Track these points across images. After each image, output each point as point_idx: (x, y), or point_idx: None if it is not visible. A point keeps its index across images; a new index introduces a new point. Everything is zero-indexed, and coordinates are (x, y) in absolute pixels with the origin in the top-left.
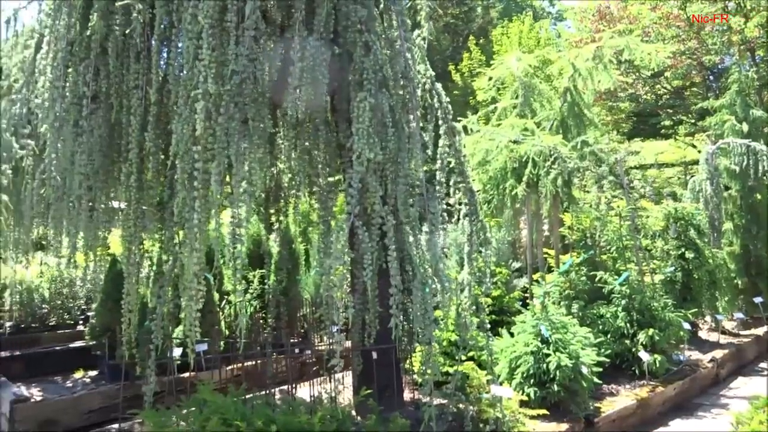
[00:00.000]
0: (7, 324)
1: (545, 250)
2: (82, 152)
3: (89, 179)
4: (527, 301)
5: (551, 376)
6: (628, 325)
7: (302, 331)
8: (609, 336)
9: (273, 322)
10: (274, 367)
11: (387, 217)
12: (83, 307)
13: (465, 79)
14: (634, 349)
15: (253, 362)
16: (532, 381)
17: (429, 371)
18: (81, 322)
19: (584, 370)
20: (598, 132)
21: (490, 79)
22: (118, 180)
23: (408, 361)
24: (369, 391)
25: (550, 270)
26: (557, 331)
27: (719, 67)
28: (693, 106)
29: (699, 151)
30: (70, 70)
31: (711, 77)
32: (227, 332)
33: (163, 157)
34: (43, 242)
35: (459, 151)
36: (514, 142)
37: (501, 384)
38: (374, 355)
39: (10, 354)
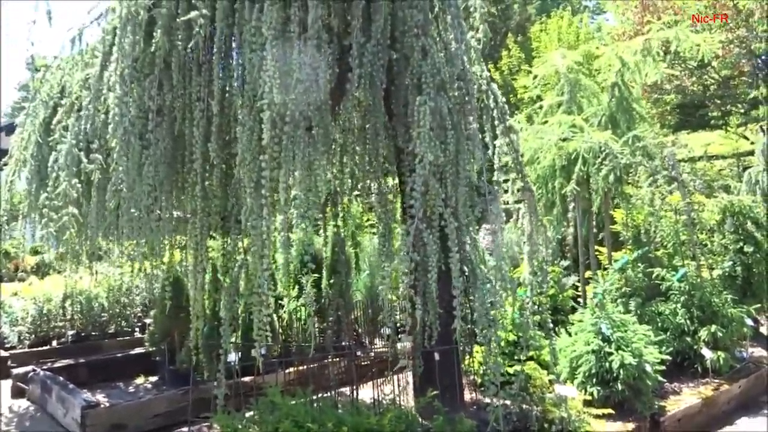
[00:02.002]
0: (69, 332)
1: (596, 247)
2: (149, 164)
3: (156, 190)
4: (578, 299)
5: (614, 375)
6: (688, 322)
7: (355, 333)
8: (669, 333)
9: (330, 325)
10: (332, 369)
11: (449, 219)
12: (139, 314)
13: (505, 77)
14: (695, 347)
15: (312, 365)
16: (594, 380)
17: (491, 372)
18: (138, 329)
19: (648, 368)
20: (648, 126)
21: (536, 77)
22: (182, 190)
23: (467, 362)
24: (435, 393)
25: (602, 268)
26: (618, 329)
27: None
28: (743, 95)
29: (752, 143)
30: (133, 85)
31: (761, 65)
32: (283, 336)
33: (224, 166)
34: (99, 253)
35: (516, 151)
36: (563, 139)
37: (564, 383)
38: (436, 356)
39: (74, 361)
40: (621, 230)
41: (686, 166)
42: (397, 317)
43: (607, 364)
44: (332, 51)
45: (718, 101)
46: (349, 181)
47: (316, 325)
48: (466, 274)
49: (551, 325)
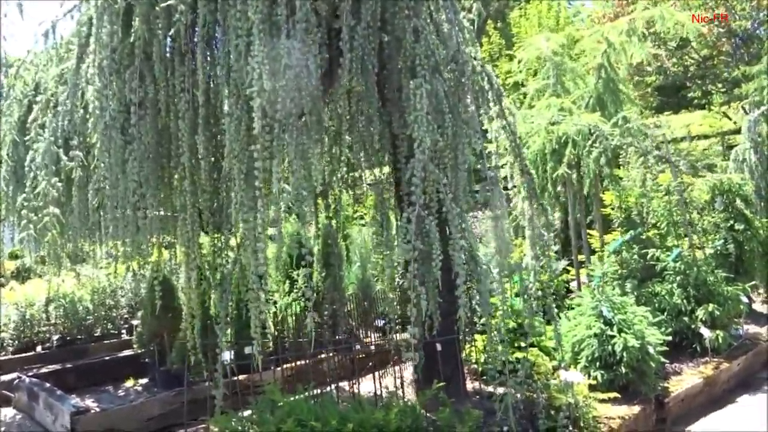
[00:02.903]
0: (54, 337)
1: (587, 231)
2: (133, 159)
3: (141, 186)
4: (569, 284)
5: (618, 358)
6: (685, 301)
7: (349, 326)
8: (666, 314)
9: (326, 319)
10: (326, 364)
11: (451, 205)
12: (125, 316)
13: (485, 63)
14: (693, 326)
15: (309, 361)
16: (597, 364)
17: (495, 360)
18: (124, 331)
19: (651, 350)
20: (635, 107)
21: (520, 61)
22: (169, 186)
23: (467, 351)
24: (441, 384)
25: (593, 252)
26: (618, 311)
27: (749, 32)
28: (723, 75)
29: (734, 122)
30: (112, 78)
31: (740, 44)
32: (276, 332)
33: (212, 159)
34: (79, 254)
35: (514, 133)
36: (552, 123)
37: (567, 369)
38: (438, 347)
39: (61, 366)
40: (612, 213)
41: (670, 146)
42: (392, 308)
43: (610, 347)
44: (320, 35)
45: (699, 81)
46: (344, 169)
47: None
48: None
49: (556, 310)
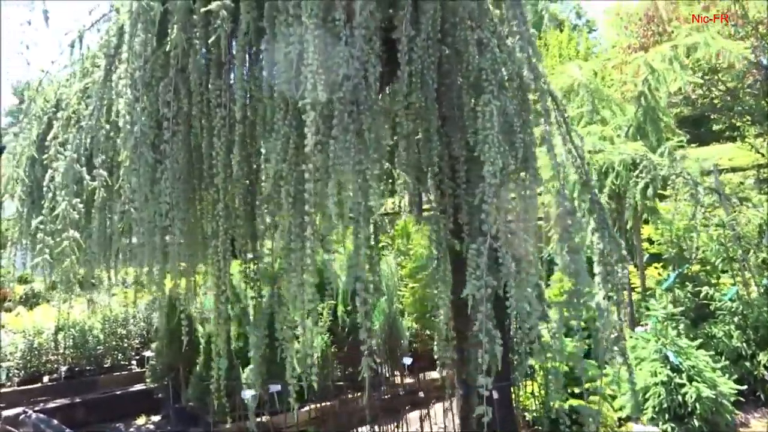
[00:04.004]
0: (62, 368)
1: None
2: (165, 179)
3: (172, 209)
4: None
5: (689, 409)
6: (744, 345)
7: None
8: (724, 358)
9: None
10: (354, 405)
11: (524, 236)
12: (136, 346)
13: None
14: (755, 372)
15: (333, 401)
16: (667, 415)
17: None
18: (134, 362)
19: (725, 401)
20: (680, 137)
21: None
22: (199, 210)
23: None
24: None
25: (632, 289)
26: (686, 356)
27: None
28: (752, 107)
29: (762, 154)
30: (143, 91)
31: None
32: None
33: (248, 182)
34: (91, 281)
35: (581, 158)
36: (591, 151)
37: (636, 421)
38: (494, 394)
39: (69, 401)
40: (659, 247)
41: (705, 179)
42: (414, 346)
43: (680, 397)
44: (378, 45)
45: (729, 113)
46: (404, 194)
47: (334, 356)
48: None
49: (628, 354)
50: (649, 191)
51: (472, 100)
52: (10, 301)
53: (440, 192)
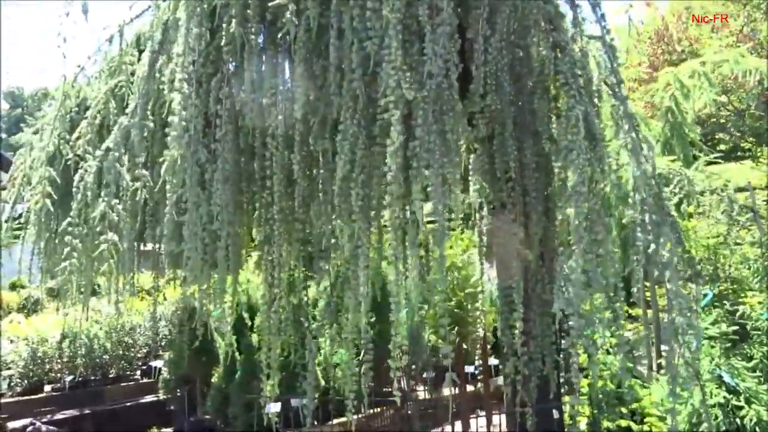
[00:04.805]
0: (67, 378)
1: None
2: (218, 181)
3: (223, 212)
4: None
5: None
6: None
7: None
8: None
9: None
10: (380, 420)
11: (607, 247)
12: (141, 356)
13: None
14: None
15: (359, 415)
16: None
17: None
18: (138, 372)
19: None
20: (708, 154)
21: None
22: (249, 213)
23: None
24: None
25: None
26: (742, 378)
27: None
28: (757, 126)
29: None
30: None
31: None
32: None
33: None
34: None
35: (652, 168)
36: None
37: None
38: (556, 413)
39: (78, 412)
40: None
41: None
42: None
43: (738, 420)
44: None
45: (738, 133)
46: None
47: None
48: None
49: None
50: (683, 207)
51: (548, 105)
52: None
53: (512, 201)
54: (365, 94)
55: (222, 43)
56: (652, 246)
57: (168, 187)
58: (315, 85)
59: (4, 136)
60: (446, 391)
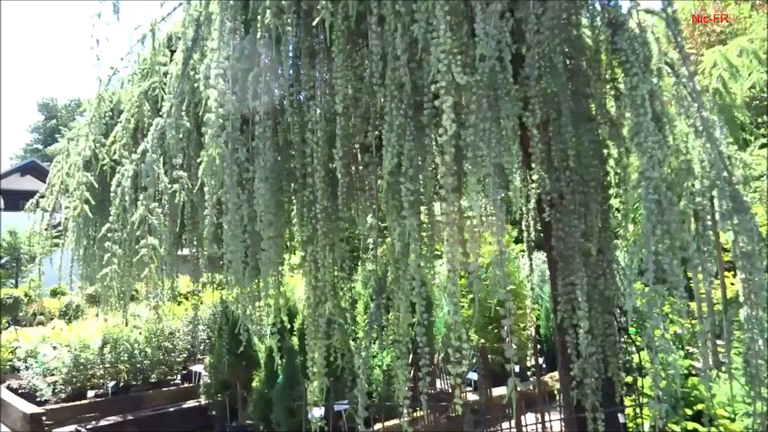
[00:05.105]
0: (110, 383)
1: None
2: (258, 180)
3: (264, 213)
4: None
5: None
6: None
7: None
8: None
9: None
10: (428, 422)
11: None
12: (182, 361)
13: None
14: None
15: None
16: None
17: None
18: (178, 377)
19: None
20: (760, 138)
21: None
22: (287, 212)
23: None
24: None
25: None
26: None
27: None
28: None
29: None
30: (222, 83)
31: None
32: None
33: (349, 180)
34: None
35: (721, 153)
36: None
37: None
38: (621, 418)
39: (122, 418)
40: None
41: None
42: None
43: None
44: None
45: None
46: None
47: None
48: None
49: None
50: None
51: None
52: (40, 314)
53: (570, 190)
54: (411, 82)
55: (258, 36)
56: (730, 235)
57: (206, 188)
58: (355, 75)
59: (40, 147)
60: (496, 392)
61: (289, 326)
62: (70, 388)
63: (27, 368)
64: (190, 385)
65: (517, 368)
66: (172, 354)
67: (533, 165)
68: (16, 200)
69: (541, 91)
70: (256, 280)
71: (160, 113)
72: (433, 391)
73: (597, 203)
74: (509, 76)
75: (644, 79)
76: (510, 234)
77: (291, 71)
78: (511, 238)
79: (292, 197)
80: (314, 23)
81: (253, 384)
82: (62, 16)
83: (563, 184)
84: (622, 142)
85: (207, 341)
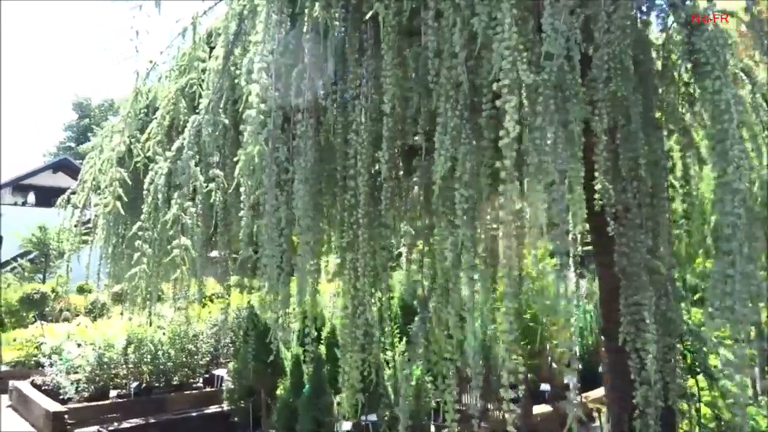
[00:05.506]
0: (132, 384)
1: None
2: (299, 181)
3: (304, 217)
4: None
5: None
6: None
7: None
8: None
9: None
10: None
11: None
12: (205, 364)
13: None
14: None
15: None
16: None
17: None
18: (201, 380)
19: None
20: None
21: None
22: (326, 217)
23: None
24: None
25: None
26: None
27: None
28: None
29: None
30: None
31: None
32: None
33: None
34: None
35: None
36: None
37: None
38: None
39: (144, 421)
40: None
41: None
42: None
43: None
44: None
45: None
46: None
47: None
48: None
49: None
50: None
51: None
52: (66, 310)
53: (637, 203)
54: (468, 81)
55: (304, 30)
56: None
57: (242, 189)
58: (406, 74)
59: (72, 145)
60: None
61: (316, 334)
62: (92, 387)
63: (51, 365)
64: (213, 389)
65: (548, 387)
66: (195, 357)
67: (596, 174)
68: (47, 197)
69: (610, 94)
70: (289, 286)
71: (197, 110)
72: (463, 408)
73: (665, 216)
74: (578, 77)
75: (727, 82)
76: (546, 246)
77: (336, 68)
78: (546, 251)
79: (332, 201)
80: (365, 18)
81: (278, 392)
82: (101, 15)
83: (629, 195)
84: (696, 152)
85: (231, 345)
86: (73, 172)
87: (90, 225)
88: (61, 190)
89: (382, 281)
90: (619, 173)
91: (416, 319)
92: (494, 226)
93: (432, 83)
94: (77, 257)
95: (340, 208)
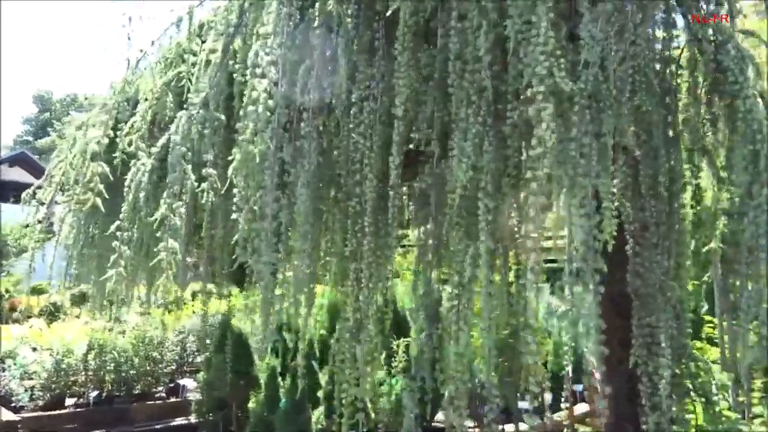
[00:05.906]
0: (92, 393)
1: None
2: (302, 185)
3: (307, 222)
4: None
5: None
6: None
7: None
8: None
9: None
10: None
11: None
12: (169, 373)
13: None
14: None
15: None
16: None
17: None
18: (162, 389)
19: None
20: None
21: None
22: (326, 224)
23: None
24: None
25: None
26: None
27: None
28: None
29: None
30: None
31: None
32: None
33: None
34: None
35: None
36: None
37: None
38: None
39: None
40: None
41: None
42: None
43: None
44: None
45: None
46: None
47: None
48: None
49: None
50: None
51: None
52: (18, 311)
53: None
54: (492, 86)
55: (315, 25)
56: None
57: (236, 190)
58: (419, 77)
59: (30, 139)
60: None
61: (292, 345)
62: (48, 394)
63: (4, 370)
64: (177, 399)
65: (526, 404)
66: (160, 365)
67: (614, 190)
68: (2, 191)
69: (633, 108)
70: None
71: (185, 106)
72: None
73: (684, 236)
74: (611, 87)
75: (755, 102)
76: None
77: (346, 67)
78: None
79: (333, 207)
80: (377, 17)
81: (249, 405)
82: (67, 11)
83: (648, 214)
84: (717, 171)
85: (196, 353)
86: (30, 166)
87: (48, 222)
88: (17, 185)
89: (386, 291)
90: (638, 190)
91: (418, 335)
92: (515, 238)
93: (451, 87)
94: (42, 256)
95: (343, 216)
